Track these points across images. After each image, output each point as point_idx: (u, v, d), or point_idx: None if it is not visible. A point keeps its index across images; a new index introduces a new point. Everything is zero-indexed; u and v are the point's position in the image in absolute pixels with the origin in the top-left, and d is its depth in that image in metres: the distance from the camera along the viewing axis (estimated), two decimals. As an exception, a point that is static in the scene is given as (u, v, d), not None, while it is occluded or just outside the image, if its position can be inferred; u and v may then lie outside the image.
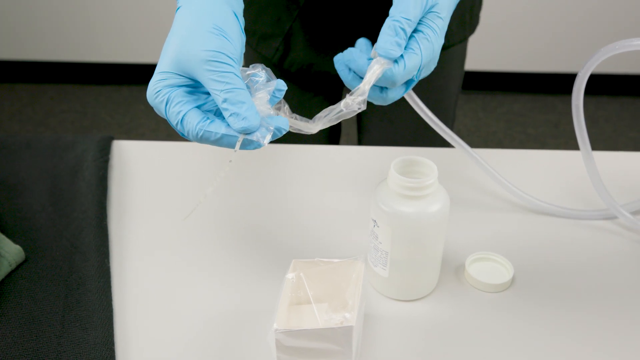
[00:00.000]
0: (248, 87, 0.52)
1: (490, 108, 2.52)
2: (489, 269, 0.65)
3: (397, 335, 0.58)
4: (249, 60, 1.01)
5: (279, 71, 0.96)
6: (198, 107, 0.51)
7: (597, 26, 2.43)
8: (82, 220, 0.70)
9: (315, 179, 0.79)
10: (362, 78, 0.57)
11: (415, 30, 0.55)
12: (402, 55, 0.54)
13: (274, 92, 0.53)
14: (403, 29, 0.54)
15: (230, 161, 0.51)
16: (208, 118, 0.50)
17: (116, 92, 2.61)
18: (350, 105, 0.54)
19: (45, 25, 2.55)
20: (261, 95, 0.52)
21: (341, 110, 0.54)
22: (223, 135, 0.49)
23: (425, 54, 0.55)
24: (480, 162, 0.70)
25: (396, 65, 0.54)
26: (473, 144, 2.31)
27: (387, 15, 0.56)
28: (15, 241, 0.66)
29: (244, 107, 0.49)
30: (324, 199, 0.76)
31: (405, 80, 0.56)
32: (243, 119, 0.49)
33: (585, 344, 0.58)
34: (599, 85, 2.54)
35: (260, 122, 0.50)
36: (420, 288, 0.62)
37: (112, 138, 0.83)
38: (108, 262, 0.65)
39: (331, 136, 1.06)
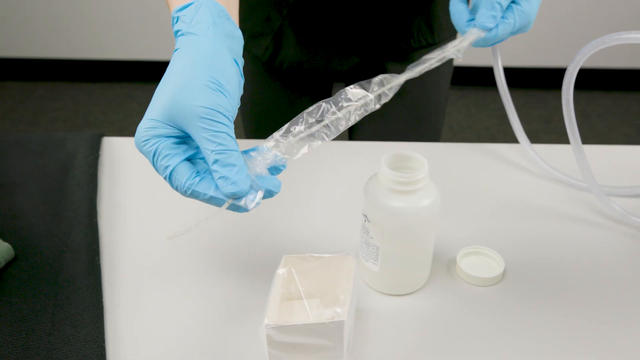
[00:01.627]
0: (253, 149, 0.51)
1: (483, 104, 2.52)
2: (480, 263, 0.65)
3: (389, 329, 0.58)
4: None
5: (270, 69, 0.95)
6: (188, 157, 0.50)
7: (589, 21, 2.44)
8: (73, 218, 0.69)
9: (306, 174, 0.79)
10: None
11: (513, 1, 0.61)
12: (497, 24, 0.60)
13: (276, 166, 0.52)
14: (499, 3, 0.60)
15: (206, 219, 0.50)
16: (197, 174, 0.49)
17: (108, 90, 2.61)
18: (447, 56, 0.60)
19: (37, 22, 2.54)
20: (265, 157, 0.51)
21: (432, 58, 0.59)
22: (211, 197, 0.49)
23: (518, 23, 0.61)
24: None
25: (489, 32, 0.61)
26: (466, 140, 2.32)
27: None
28: (5, 239, 0.66)
29: (234, 170, 0.48)
30: (314, 194, 0.76)
31: (495, 42, 0.62)
32: (232, 183, 0.48)
33: (576, 337, 0.58)
34: (591, 80, 2.55)
35: (251, 185, 0.49)
36: (412, 282, 0.62)
37: (102, 135, 0.83)
38: (98, 259, 0.64)
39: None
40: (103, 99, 2.56)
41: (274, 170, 0.53)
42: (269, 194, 0.51)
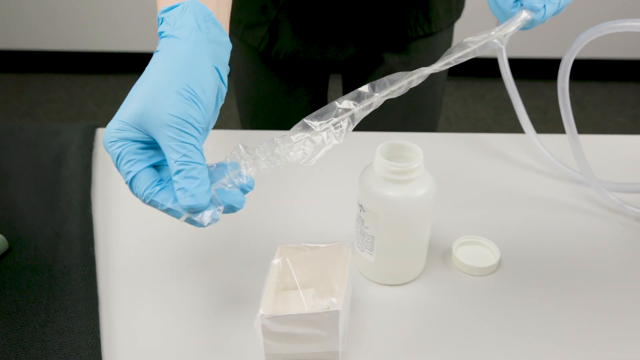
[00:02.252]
0: (223, 165, 0.49)
1: (479, 94, 2.52)
2: (476, 252, 0.65)
3: (384, 319, 0.58)
4: (235, 50, 1.00)
5: (266, 60, 0.95)
6: (154, 164, 0.49)
7: (586, 12, 2.43)
8: (67, 209, 0.69)
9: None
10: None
11: None
12: (544, 5, 0.57)
13: (244, 185, 0.50)
14: None
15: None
16: (159, 183, 0.48)
17: (103, 82, 2.59)
18: (490, 43, 0.56)
19: (31, 14, 2.52)
20: (231, 174, 0.49)
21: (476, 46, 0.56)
22: (169, 209, 0.47)
23: (562, 2, 0.58)
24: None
25: (537, 14, 0.57)
26: (462, 130, 2.32)
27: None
28: (-2, 231, 0.65)
29: (194, 183, 0.46)
30: (310, 184, 0.75)
31: (536, 25, 0.59)
32: (191, 196, 0.46)
33: (571, 326, 0.58)
34: (587, 70, 2.55)
35: (212, 199, 0.48)
36: (407, 272, 0.62)
37: (96, 126, 0.82)
38: (93, 250, 0.64)
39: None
40: (97, 90, 2.54)
41: (242, 188, 0.51)
42: (230, 209, 0.49)
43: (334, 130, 0.51)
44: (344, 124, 0.51)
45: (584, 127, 2.31)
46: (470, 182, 0.76)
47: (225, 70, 0.52)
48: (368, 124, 1.00)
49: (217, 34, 0.51)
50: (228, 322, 0.58)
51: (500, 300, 0.60)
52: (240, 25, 0.93)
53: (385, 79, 0.52)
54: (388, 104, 0.96)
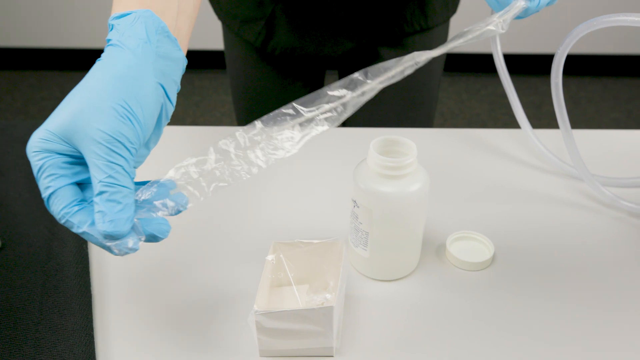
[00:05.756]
0: (163, 186, 0.46)
1: (474, 90, 2.52)
2: (470, 247, 0.65)
3: (379, 315, 0.58)
4: (231, 45, 0.99)
5: (262, 55, 0.95)
6: (79, 182, 0.45)
7: (580, 7, 2.44)
8: (60, 206, 0.69)
9: (296, 159, 0.78)
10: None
11: None
12: None
13: (177, 207, 0.46)
14: None
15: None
16: (79, 204, 0.44)
17: (97, 79, 2.58)
18: (489, 29, 0.56)
19: (24, 10, 2.51)
20: (162, 202, 0.46)
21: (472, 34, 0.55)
22: (84, 232, 0.44)
23: None
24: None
25: (532, 2, 0.58)
26: (457, 126, 2.32)
27: None
28: (-9, 228, 0.65)
29: (116, 208, 0.42)
30: (304, 179, 0.75)
31: (532, 13, 0.59)
32: (110, 221, 0.42)
33: (565, 321, 0.58)
34: (581, 65, 2.55)
35: (133, 227, 0.44)
36: (401, 268, 0.62)
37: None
38: (86, 247, 0.64)
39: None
40: (92, 87, 2.53)
41: (174, 211, 0.47)
42: (152, 238, 0.46)
43: (322, 117, 0.50)
44: (335, 112, 0.49)
45: (578, 122, 2.32)
46: (464, 177, 0.76)
47: (173, 88, 0.49)
48: (364, 118, 1.00)
49: (170, 49, 0.48)
50: (222, 319, 0.58)
51: (495, 295, 0.60)
52: (237, 20, 0.92)
53: (379, 65, 0.50)
54: (384, 98, 0.97)
